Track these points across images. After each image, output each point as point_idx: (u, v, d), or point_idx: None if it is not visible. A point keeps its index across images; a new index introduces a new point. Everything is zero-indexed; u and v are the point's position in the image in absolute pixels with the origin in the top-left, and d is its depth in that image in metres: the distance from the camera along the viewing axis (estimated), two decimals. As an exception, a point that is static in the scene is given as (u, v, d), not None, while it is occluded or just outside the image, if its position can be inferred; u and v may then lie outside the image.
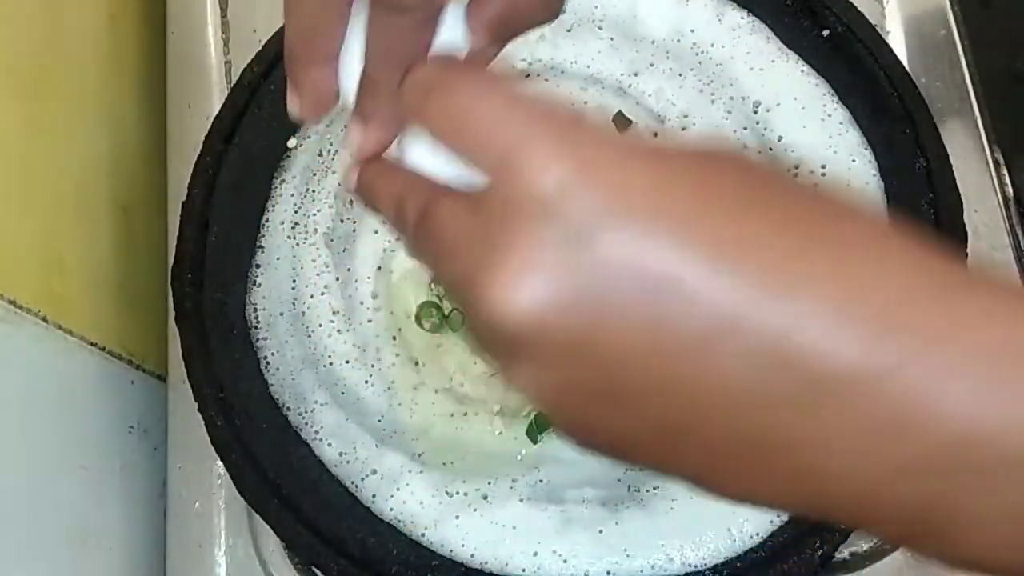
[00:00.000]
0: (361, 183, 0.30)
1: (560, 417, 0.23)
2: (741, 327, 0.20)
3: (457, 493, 0.51)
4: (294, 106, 0.33)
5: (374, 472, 0.52)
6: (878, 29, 0.55)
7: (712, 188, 0.21)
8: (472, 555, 0.50)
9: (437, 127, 0.25)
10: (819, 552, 0.47)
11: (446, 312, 0.54)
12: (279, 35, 0.57)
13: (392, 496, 0.51)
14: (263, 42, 0.57)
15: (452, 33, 0.30)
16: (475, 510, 0.50)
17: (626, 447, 0.23)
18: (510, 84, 0.24)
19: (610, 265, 0.20)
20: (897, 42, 0.58)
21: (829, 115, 0.54)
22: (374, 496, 0.51)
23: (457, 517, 0.50)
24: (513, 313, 0.21)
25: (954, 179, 0.52)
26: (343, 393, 0.53)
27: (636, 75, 0.57)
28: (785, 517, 0.49)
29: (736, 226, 0.21)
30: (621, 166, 0.21)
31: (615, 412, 0.22)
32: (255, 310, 0.55)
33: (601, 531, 0.49)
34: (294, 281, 0.55)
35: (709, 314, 0.20)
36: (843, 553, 0.51)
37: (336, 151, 0.57)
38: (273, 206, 0.57)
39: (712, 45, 0.56)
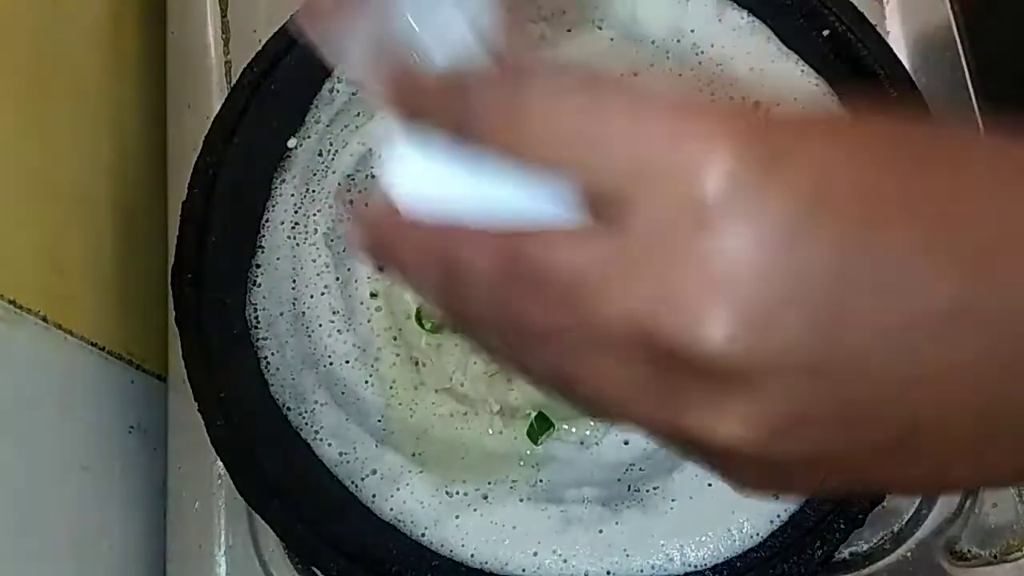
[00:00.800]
0: (376, 243, 0.25)
1: (785, 451, 0.19)
2: (973, 304, 0.18)
3: (457, 493, 0.51)
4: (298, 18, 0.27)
5: (374, 472, 0.52)
6: (878, 29, 0.55)
7: (898, 166, 0.19)
8: (472, 555, 0.50)
9: (528, 153, 0.20)
10: (819, 552, 0.47)
11: (446, 312, 0.54)
12: (279, 35, 0.57)
13: (392, 496, 0.51)
14: (263, 42, 0.57)
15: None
16: (475, 510, 0.50)
17: (856, 468, 0.20)
18: (600, 82, 0.20)
19: (830, 267, 0.18)
20: (897, 42, 0.58)
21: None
22: (374, 496, 0.51)
23: (457, 517, 0.50)
24: (725, 339, 0.18)
25: (954, 179, 0.51)
26: (343, 393, 0.53)
27: (636, 75, 0.57)
28: (785, 517, 0.49)
29: (934, 200, 0.19)
30: (798, 153, 0.18)
31: (851, 431, 0.19)
32: (255, 310, 0.55)
33: (601, 531, 0.49)
34: (294, 281, 0.55)
35: (945, 296, 0.18)
36: (843, 553, 0.51)
37: (336, 151, 0.57)
38: (273, 206, 0.57)
39: (712, 45, 0.56)
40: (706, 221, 0.18)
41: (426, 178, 0.23)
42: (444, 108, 0.23)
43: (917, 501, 0.52)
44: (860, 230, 0.18)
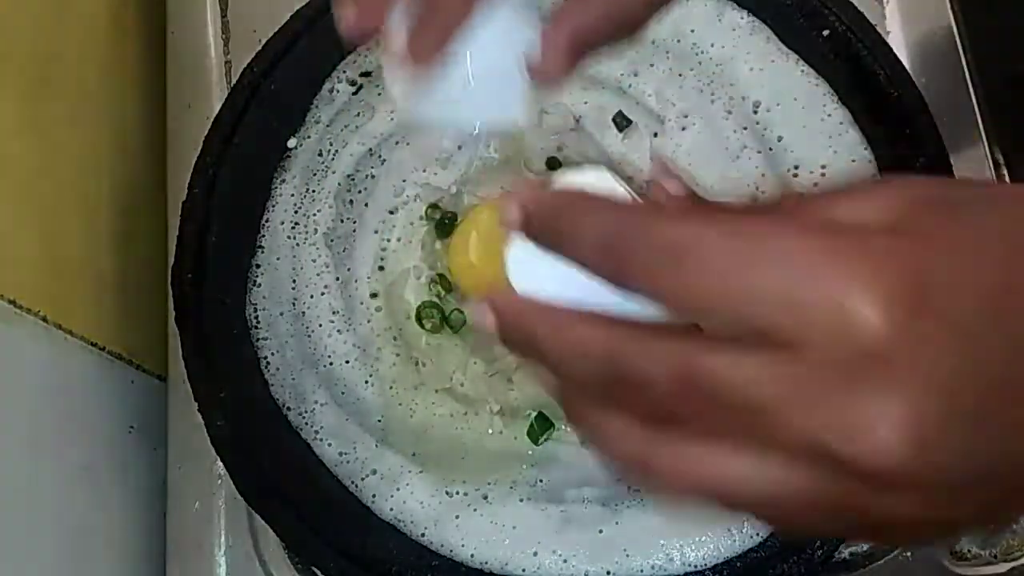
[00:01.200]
0: (511, 328, 0.25)
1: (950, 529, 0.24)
2: None
3: (457, 493, 0.51)
4: (347, 20, 0.31)
5: (374, 472, 0.52)
6: (878, 29, 0.55)
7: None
8: (472, 555, 0.50)
9: (686, 302, 0.22)
10: (819, 552, 0.47)
11: (446, 312, 0.54)
12: (279, 35, 0.57)
13: (392, 496, 0.51)
14: (263, 42, 0.57)
15: (522, 44, 0.30)
16: (475, 510, 0.50)
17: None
18: (758, 220, 0.22)
19: (972, 396, 0.21)
20: (897, 42, 0.58)
21: (829, 115, 0.54)
22: (374, 496, 0.51)
23: (457, 517, 0.50)
24: (896, 461, 0.21)
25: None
26: (343, 393, 0.53)
27: (636, 75, 0.57)
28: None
29: None
30: (933, 293, 0.21)
31: (990, 514, 0.23)
32: (255, 310, 0.55)
33: (601, 531, 0.49)
34: (294, 281, 0.55)
35: None
36: (843, 553, 0.51)
37: (336, 151, 0.57)
38: (273, 206, 0.57)
39: (712, 45, 0.56)
40: (872, 360, 0.21)
41: (548, 270, 0.25)
42: (593, 252, 0.24)
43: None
44: (984, 351, 0.21)
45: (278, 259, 0.56)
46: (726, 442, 0.23)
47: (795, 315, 0.21)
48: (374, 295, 0.55)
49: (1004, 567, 0.50)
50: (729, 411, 0.22)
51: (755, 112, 0.55)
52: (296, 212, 0.57)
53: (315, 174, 0.57)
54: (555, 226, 0.25)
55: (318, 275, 0.55)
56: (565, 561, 0.49)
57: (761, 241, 0.22)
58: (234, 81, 0.58)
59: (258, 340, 0.54)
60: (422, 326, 0.54)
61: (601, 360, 0.23)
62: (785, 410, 0.21)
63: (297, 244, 0.56)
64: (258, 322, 0.55)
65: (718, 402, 0.22)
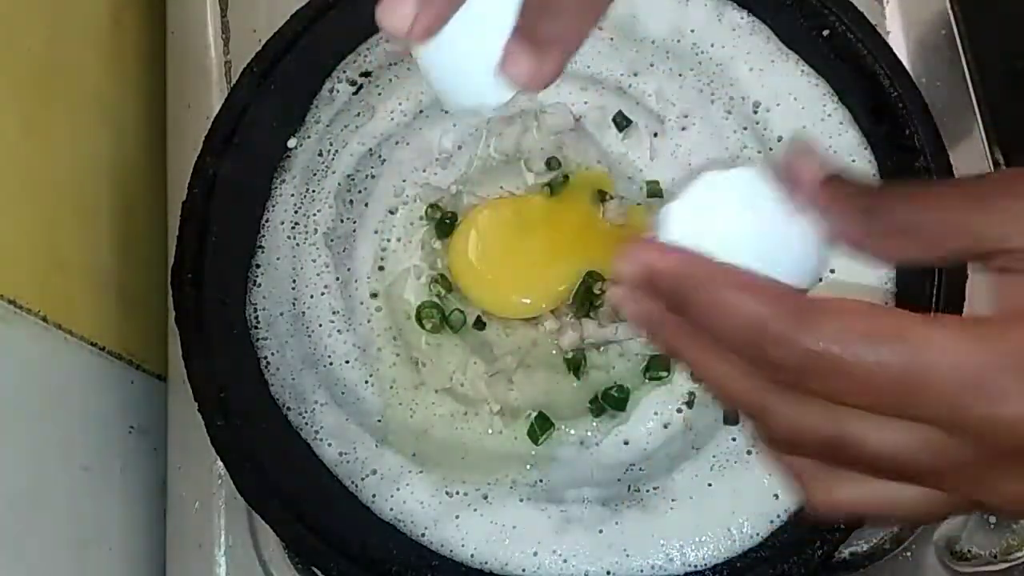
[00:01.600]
0: (663, 346, 0.27)
1: None
2: None
3: (457, 493, 0.51)
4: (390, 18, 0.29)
5: (374, 472, 0.52)
6: (878, 29, 0.55)
7: None
8: (472, 555, 0.50)
9: (848, 400, 0.23)
10: (819, 552, 0.47)
11: (446, 312, 0.54)
12: (279, 35, 0.57)
13: (392, 496, 0.51)
14: (263, 42, 0.57)
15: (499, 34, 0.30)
16: (475, 510, 0.50)
17: None
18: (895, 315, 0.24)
19: None
20: (897, 42, 0.58)
21: (829, 115, 0.54)
22: (374, 496, 0.51)
23: (457, 517, 0.50)
24: None
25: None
26: (343, 393, 0.53)
27: (636, 75, 0.57)
28: (785, 517, 0.49)
29: None
30: None
31: None
32: (255, 310, 0.55)
33: (601, 531, 0.49)
34: (294, 281, 0.55)
35: None
36: (843, 553, 0.51)
37: (336, 151, 0.57)
38: (273, 206, 0.57)
39: (712, 45, 0.56)
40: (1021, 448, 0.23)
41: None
42: (736, 339, 0.24)
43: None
44: None
45: (278, 259, 0.56)
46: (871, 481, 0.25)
47: (955, 415, 0.23)
48: (374, 295, 0.55)
49: (1004, 566, 0.50)
50: (877, 472, 0.24)
51: (755, 112, 0.55)
52: (296, 212, 0.57)
53: (315, 174, 0.57)
54: (687, 297, 0.25)
55: (318, 275, 0.55)
56: (565, 561, 0.49)
57: (918, 350, 0.23)
58: (234, 81, 0.58)
59: (258, 340, 0.54)
60: (422, 326, 0.54)
61: (756, 412, 0.25)
62: (940, 478, 0.24)
63: (297, 244, 0.56)
64: (258, 322, 0.55)
65: (865, 462, 0.24)
